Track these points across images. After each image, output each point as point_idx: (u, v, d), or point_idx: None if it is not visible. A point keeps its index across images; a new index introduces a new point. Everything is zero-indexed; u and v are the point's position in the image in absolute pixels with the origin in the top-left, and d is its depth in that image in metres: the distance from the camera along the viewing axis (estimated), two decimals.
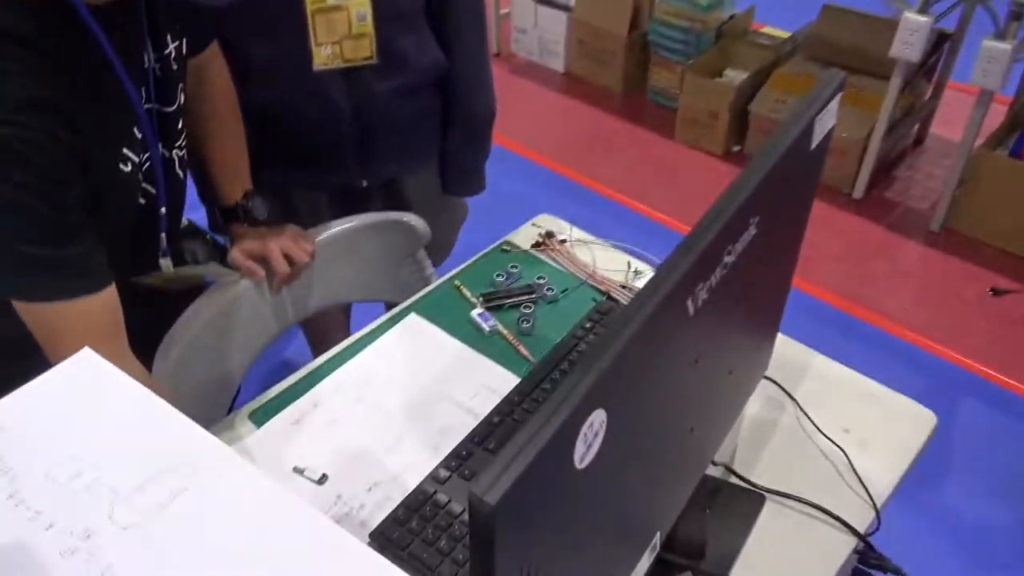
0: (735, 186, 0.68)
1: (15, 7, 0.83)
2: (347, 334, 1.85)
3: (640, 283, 1.27)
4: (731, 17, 3.28)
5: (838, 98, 0.82)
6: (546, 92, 3.60)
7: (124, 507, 0.49)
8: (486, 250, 1.35)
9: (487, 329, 1.17)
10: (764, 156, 0.72)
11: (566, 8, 3.50)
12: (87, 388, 0.58)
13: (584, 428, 0.51)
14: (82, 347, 0.85)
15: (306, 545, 0.51)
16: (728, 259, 0.69)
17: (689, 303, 0.64)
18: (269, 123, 1.30)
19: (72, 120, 0.88)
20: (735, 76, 3.14)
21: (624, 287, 1.26)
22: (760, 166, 0.71)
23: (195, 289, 1.23)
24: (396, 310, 1.25)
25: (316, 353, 1.84)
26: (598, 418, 0.53)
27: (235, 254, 1.22)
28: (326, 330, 1.77)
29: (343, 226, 1.32)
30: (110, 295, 0.95)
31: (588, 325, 1.15)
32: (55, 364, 0.94)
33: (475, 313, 1.20)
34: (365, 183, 1.42)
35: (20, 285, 0.89)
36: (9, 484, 0.50)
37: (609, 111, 3.44)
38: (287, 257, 1.23)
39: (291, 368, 1.15)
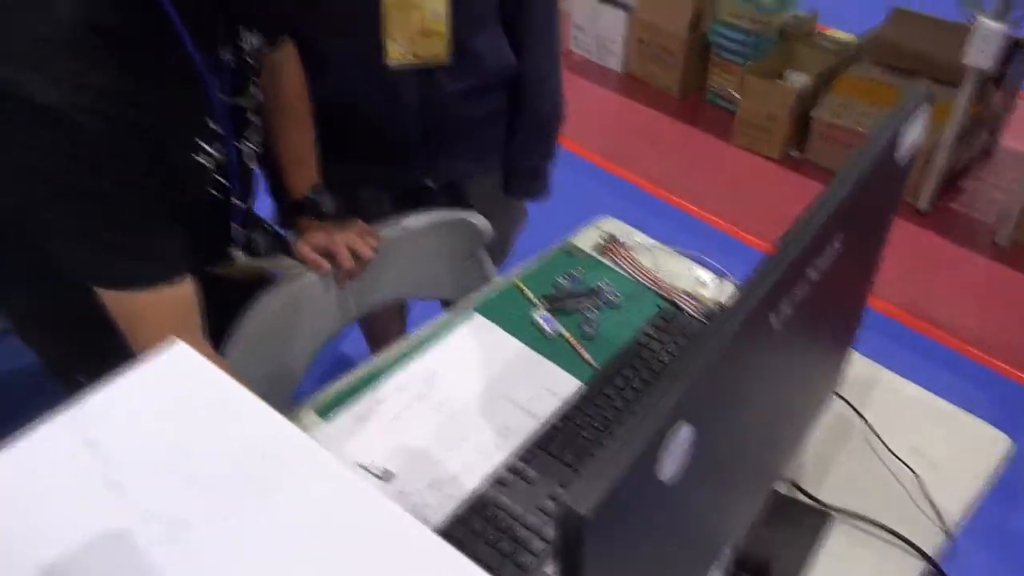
0: (823, 198, 0.67)
1: (109, 5, 0.84)
2: (403, 328, 1.87)
3: (704, 291, 1.25)
4: (795, 19, 3.22)
5: (926, 109, 0.80)
6: (603, 91, 3.57)
7: (216, 500, 0.50)
8: (547, 251, 1.35)
9: (549, 332, 1.17)
10: (852, 167, 0.70)
11: (625, 7, 3.48)
12: (180, 378, 0.59)
13: (672, 442, 0.51)
14: (161, 335, 0.86)
15: (394, 543, 0.51)
16: (812, 274, 0.68)
17: (773, 317, 0.63)
18: (338, 118, 1.31)
19: (152, 110, 0.90)
20: (797, 79, 3.09)
21: (688, 295, 1.24)
22: (848, 177, 0.69)
23: (259, 280, 1.25)
24: (457, 308, 1.25)
25: (372, 346, 1.87)
26: (686, 432, 0.52)
27: (301, 247, 1.23)
28: (383, 324, 1.79)
29: (407, 223, 1.33)
30: (189, 285, 0.97)
31: (652, 332, 1.13)
32: (136, 350, 0.97)
33: (537, 315, 1.20)
34: (429, 182, 1.43)
35: (100, 271, 0.91)
36: (106, 472, 0.51)
37: (667, 112, 3.41)
38: (352, 252, 1.24)
39: (346, 361, 1.17)
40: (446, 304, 1.45)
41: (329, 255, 1.24)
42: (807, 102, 3.00)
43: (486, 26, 1.34)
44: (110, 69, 0.84)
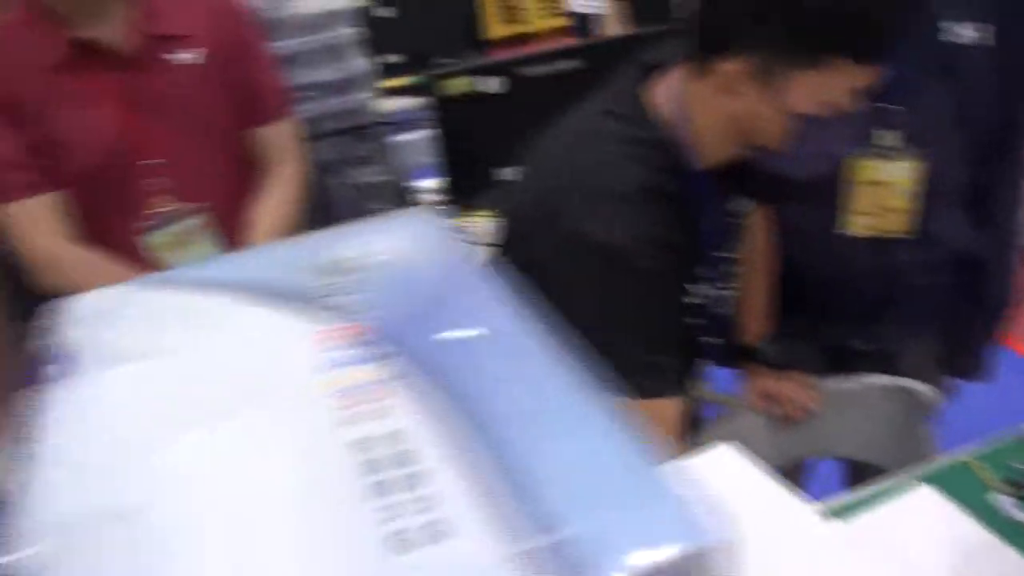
0: None
1: (659, 171, 1.06)
2: (799, 485, 1.85)
3: None
4: None
5: None
6: None
7: None
8: (1003, 435, 1.28)
9: (1015, 518, 1.11)
10: None
11: None
12: (730, 473, 0.70)
13: None
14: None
15: None
16: None
17: None
18: (794, 277, 1.42)
19: (672, 255, 1.08)
20: None
21: None
22: None
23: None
24: (899, 477, 1.24)
25: None
26: None
27: (748, 390, 1.33)
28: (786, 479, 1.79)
29: (849, 382, 1.37)
30: (684, 401, 1.11)
31: None
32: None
33: (998, 498, 1.14)
34: (869, 346, 1.46)
35: (635, 384, 1.09)
36: None
37: None
38: (794, 402, 1.31)
39: None
40: (859, 468, 1.44)
41: (771, 401, 1.32)
42: None
43: (950, 206, 1.38)
44: (657, 221, 1.04)
